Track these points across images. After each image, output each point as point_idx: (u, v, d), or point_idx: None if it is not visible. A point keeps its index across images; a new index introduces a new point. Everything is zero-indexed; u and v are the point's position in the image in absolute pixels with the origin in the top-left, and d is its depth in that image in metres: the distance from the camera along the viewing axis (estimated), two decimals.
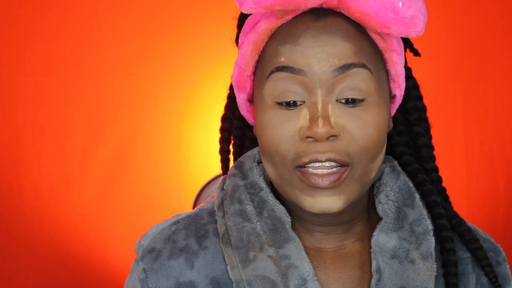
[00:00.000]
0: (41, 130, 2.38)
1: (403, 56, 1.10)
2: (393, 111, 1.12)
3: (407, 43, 1.15)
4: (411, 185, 1.13)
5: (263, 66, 1.05)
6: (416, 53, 1.17)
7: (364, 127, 1.02)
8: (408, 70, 1.15)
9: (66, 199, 2.39)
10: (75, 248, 2.40)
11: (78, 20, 2.38)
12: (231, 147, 1.19)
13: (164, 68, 2.39)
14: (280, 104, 1.03)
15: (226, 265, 1.08)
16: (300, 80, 1.02)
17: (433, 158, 1.16)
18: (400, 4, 1.02)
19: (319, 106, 1.01)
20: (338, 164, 1.02)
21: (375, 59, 1.05)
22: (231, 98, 1.16)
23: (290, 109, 1.02)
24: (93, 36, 2.38)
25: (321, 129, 1.00)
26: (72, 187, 2.39)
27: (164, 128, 2.40)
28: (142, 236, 1.14)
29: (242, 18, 1.11)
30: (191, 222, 1.12)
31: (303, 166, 1.02)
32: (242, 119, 1.16)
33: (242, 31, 1.09)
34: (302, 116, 1.02)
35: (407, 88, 1.14)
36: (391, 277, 1.07)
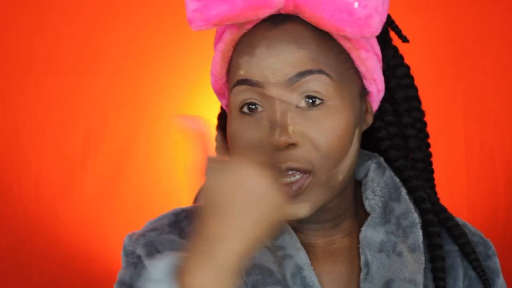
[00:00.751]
0: (41, 130, 2.38)
1: (375, 51, 1.09)
2: (375, 105, 1.12)
3: (395, 29, 1.15)
4: (397, 179, 1.14)
5: (230, 78, 1.07)
6: (404, 39, 1.16)
7: (323, 134, 1.02)
8: (398, 58, 1.14)
9: (66, 199, 2.39)
10: (75, 248, 2.40)
11: (78, 20, 2.38)
12: None
13: (164, 68, 2.39)
14: (243, 112, 1.04)
15: None
16: (258, 91, 1.02)
17: (421, 148, 1.16)
18: (356, 4, 1.00)
19: (277, 115, 1.01)
20: (299, 172, 1.02)
21: (338, 60, 1.04)
22: None
23: (252, 117, 1.03)
24: (93, 36, 2.38)
25: (278, 138, 1.00)
26: (72, 187, 2.39)
27: (164, 128, 2.41)
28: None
29: None
30: (191, 215, 1.14)
31: None
32: None
33: (214, 40, 1.10)
34: (263, 126, 1.02)
35: (396, 77, 1.14)
36: (379, 270, 1.08)
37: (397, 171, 1.15)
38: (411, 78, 1.16)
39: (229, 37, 1.06)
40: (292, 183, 1.02)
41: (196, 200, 1.24)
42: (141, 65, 2.39)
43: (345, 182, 1.07)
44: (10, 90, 2.37)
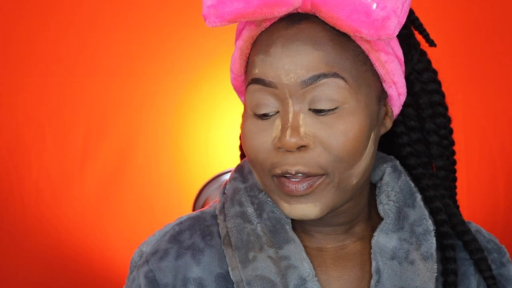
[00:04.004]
0: (41, 130, 2.38)
1: (396, 54, 1.08)
2: (396, 109, 1.10)
3: (422, 32, 1.13)
4: (412, 184, 1.12)
5: (247, 76, 1.06)
6: (431, 43, 1.14)
7: (335, 136, 1.00)
8: (425, 62, 1.13)
9: (66, 199, 2.39)
10: (75, 248, 2.40)
11: (78, 20, 2.37)
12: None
13: (164, 68, 2.39)
14: (256, 115, 1.03)
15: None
16: (272, 91, 1.01)
17: (444, 156, 1.15)
18: (375, 5, 0.99)
19: (290, 116, 1.00)
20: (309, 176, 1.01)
21: (356, 62, 1.03)
22: None
23: (265, 120, 1.02)
24: (93, 36, 2.38)
25: (289, 139, 0.99)
26: (72, 187, 2.39)
27: (164, 128, 2.40)
28: (142, 243, 1.15)
29: None
30: (195, 223, 1.13)
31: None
32: None
33: (235, 37, 1.10)
34: (276, 126, 1.02)
35: (421, 82, 1.12)
36: (391, 278, 1.06)
37: (415, 179, 1.13)
38: (438, 83, 1.15)
39: (247, 34, 1.06)
40: (302, 181, 1.01)
41: (195, 204, 1.24)
42: (141, 65, 2.39)
43: (360, 186, 1.06)
44: (10, 90, 2.37)
